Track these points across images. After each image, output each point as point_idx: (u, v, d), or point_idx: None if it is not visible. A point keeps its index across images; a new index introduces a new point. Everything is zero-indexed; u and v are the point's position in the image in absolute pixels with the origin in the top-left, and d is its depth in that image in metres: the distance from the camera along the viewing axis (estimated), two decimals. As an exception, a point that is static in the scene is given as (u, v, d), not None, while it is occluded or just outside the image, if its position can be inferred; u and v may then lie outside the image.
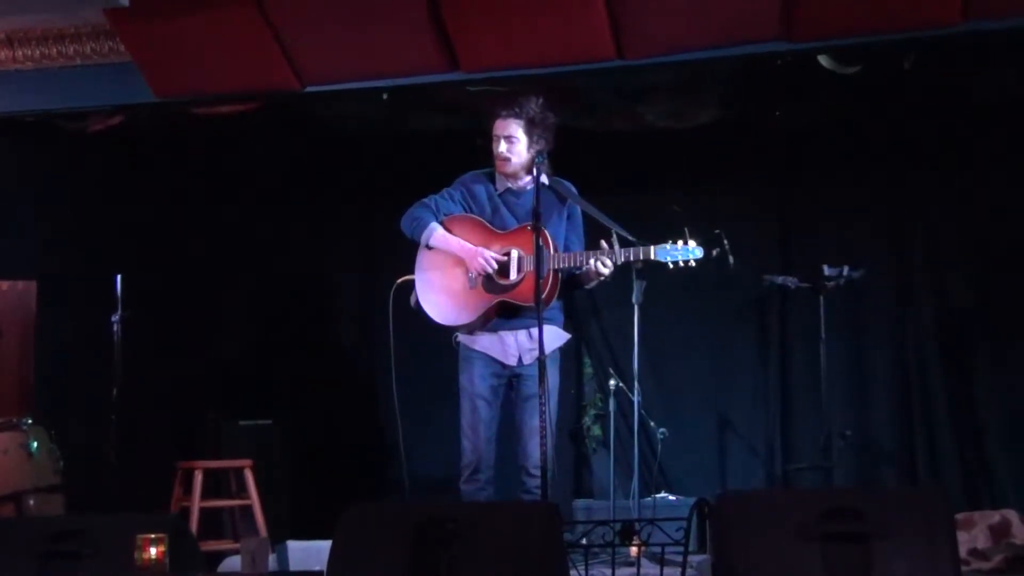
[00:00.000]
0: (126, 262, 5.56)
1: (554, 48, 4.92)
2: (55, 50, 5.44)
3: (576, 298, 6.18)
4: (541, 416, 4.22)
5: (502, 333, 4.67)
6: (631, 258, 4.51)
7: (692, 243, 4.50)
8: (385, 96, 5.44)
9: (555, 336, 4.68)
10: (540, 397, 4.23)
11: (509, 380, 4.71)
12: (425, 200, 4.75)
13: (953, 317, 6.30)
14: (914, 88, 5.71)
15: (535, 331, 4.34)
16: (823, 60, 5.16)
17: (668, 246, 4.50)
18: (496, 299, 4.62)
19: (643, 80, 5.72)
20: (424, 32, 4.92)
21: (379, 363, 6.80)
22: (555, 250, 4.58)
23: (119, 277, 5.18)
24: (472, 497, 4.56)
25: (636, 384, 5.71)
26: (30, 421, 5.16)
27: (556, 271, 4.56)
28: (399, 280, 4.78)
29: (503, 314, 4.66)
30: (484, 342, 4.68)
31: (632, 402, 5.80)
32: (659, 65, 5.10)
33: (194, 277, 6.75)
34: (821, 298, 5.84)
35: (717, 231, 4.83)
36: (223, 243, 6.91)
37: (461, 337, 4.73)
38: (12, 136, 5.77)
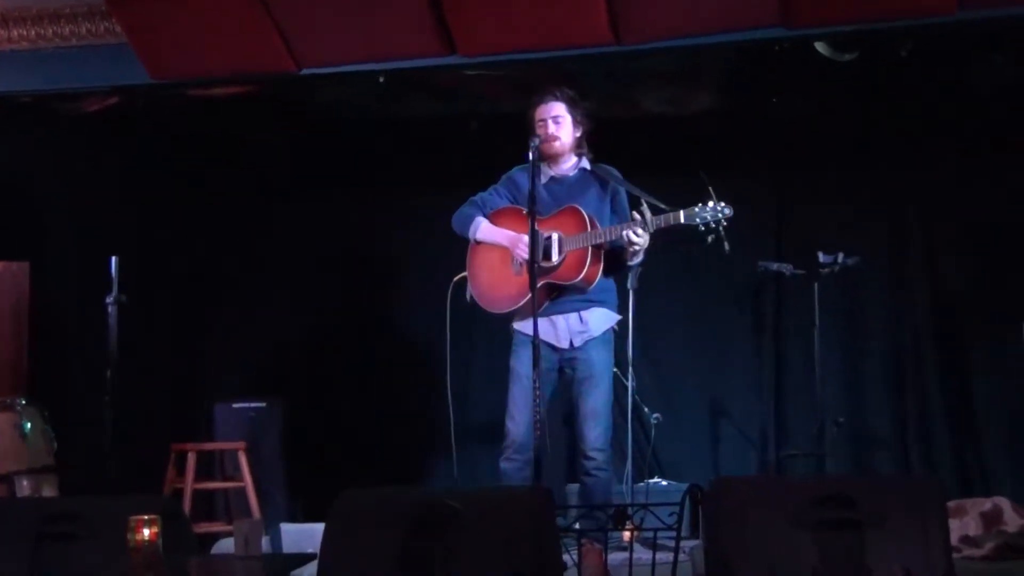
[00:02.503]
0: (121, 243, 5.54)
1: (551, 32, 4.91)
2: (51, 30, 5.42)
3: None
4: (536, 403, 4.28)
5: (553, 317, 4.78)
6: (663, 224, 4.58)
7: (722, 203, 4.52)
8: (382, 79, 5.43)
9: (605, 318, 4.82)
10: (534, 381, 4.30)
11: (562, 364, 4.82)
12: (473, 198, 4.96)
13: (948, 305, 6.30)
14: (911, 76, 5.71)
15: (584, 313, 4.71)
16: (820, 47, 5.16)
17: (697, 208, 4.53)
18: (540, 282, 4.64)
19: (639, 66, 5.71)
20: (421, 15, 4.90)
21: (374, 347, 6.81)
22: (593, 227, 4.64)
23: (114, 259, 5.16)
24: (511, 475, 4.72)
25: (630, 369, 5.71)
26: (24, 402, 5.16)
27: (596, 248, 4.65)
28: (455, 278, 4.99)
29: (552, 297, 4.76)
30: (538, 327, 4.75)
31: (626, 387, 5.80)
32: (656, 50, 5.10)
33: (188, 259, 6.75)
34: (816, 285, 5.84)
35: (714, 218, 4.81)
36: (218, 224, 6.90)
37: (516, 324, 4.85)
38: (7, 116, 5.75)
